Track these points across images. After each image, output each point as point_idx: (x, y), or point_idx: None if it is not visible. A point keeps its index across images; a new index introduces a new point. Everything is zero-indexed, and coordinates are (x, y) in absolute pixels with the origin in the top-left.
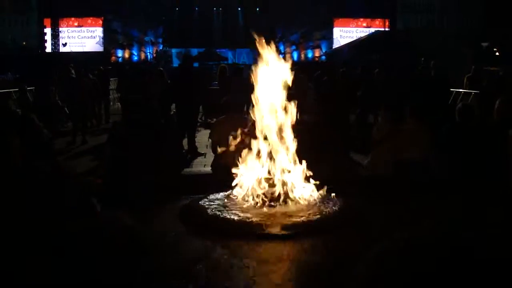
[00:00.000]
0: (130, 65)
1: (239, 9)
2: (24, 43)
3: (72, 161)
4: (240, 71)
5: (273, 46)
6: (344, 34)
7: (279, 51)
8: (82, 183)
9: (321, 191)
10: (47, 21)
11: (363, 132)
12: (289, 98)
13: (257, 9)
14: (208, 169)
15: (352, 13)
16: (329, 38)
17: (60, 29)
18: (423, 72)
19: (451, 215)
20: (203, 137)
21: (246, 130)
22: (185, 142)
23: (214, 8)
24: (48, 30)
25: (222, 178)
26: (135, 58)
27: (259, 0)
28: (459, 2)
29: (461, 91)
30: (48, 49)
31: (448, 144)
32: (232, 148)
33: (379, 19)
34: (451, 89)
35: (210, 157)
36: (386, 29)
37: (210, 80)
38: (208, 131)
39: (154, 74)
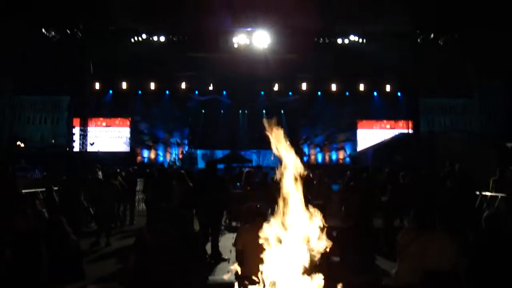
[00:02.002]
0: (156, 167)
1: (264, 111)
2: (53, 141)
3: (96, 264)
4: (265, 176)
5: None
6: (368, 136)
7: (303, 153)
8: None
9: None
10: (76, 120)
11: (390, 238)
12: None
13: (282, 111)
14: (232, 277)
15: (376, 115)
16: (353, 140)
17: (88, 128)
18: (448, 177)
19: None
20: (227, 241)
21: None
22: (208, 246)
23: (240, 110)
24: (76, 130)
25: None
26: (161, 159)
27: (284, 103)
28: (482, 103)
29: (488, 195)
30: (76, 148)
31: (477, 255)
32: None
33: (402, 121)
34: (477, 193)
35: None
36: (410, 130)
37: (235, 183)
38: (232, 235)
39: (176, 177)
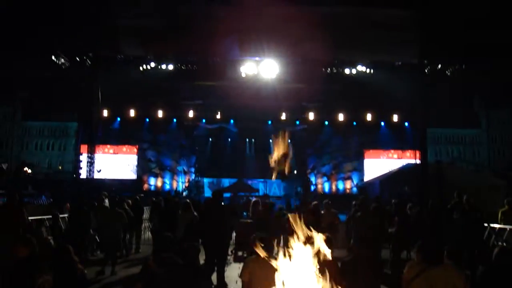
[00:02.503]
0: (162, 195)
1: (271, 140)
2: (60, 167)
3: None
4: (271, 207)
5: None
6: (375, 165)
7: (310, 182)
8: None
9: None
10: (83, 147)
11: (397, 270)
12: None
13: (289, 141)
14: None
15: (383, 145)
16: (360, 170)
17: (96, 155)
18: (456, 208)
19: None
20: (232, 271)
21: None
22: (214, 276)
23: (247, 139)
24: (84, 156)
25: None
26: (167, 187)
27: (292, 132)
28: (490, 133)
29: (496, 227)
30: (83, 175)
31: None
32: None
33: (409, 151)
34: (486, 224)
35: None
36: (417, 160)
37: (241, 212)
38: (238, 265)
39: (182, 206)
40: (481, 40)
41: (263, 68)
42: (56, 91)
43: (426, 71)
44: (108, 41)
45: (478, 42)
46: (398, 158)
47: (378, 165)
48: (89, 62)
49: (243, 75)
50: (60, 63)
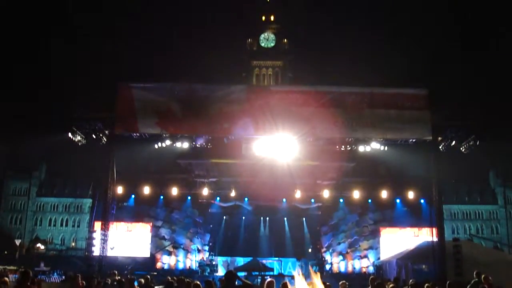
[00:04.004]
0: (175, 275)
1: (286, 219)
2: (73, 244)
3: None
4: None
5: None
6: (392, 243)
7: (324, 261)
8: None
9: None
10: (97, 224)
11: None
12: None
13: (304, 219)
14: None
15: (399, 222)
16: (377, 248)
17: (109, 232)
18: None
19: None
20: None
21: None
22: None
23: (261, 218)
24: (97, 233)
25: None
26: (181, 265)
27: (305, 211)
28: (508, 209)
29: None
30: (96, 252)
31: None
32: None
33: (426, 228)
34: None
35: None
36: (434, 238)
37: None
38: None
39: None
40: (494, 116)
41: (277, 147)
42: (71, 168)
43: (440, 147)
44: (124, 120)
45: (491, 118)
46: (415, 235)
47: (395, 242)
48: (105, 140)
49: (258, 153)
50: (76, 140)
